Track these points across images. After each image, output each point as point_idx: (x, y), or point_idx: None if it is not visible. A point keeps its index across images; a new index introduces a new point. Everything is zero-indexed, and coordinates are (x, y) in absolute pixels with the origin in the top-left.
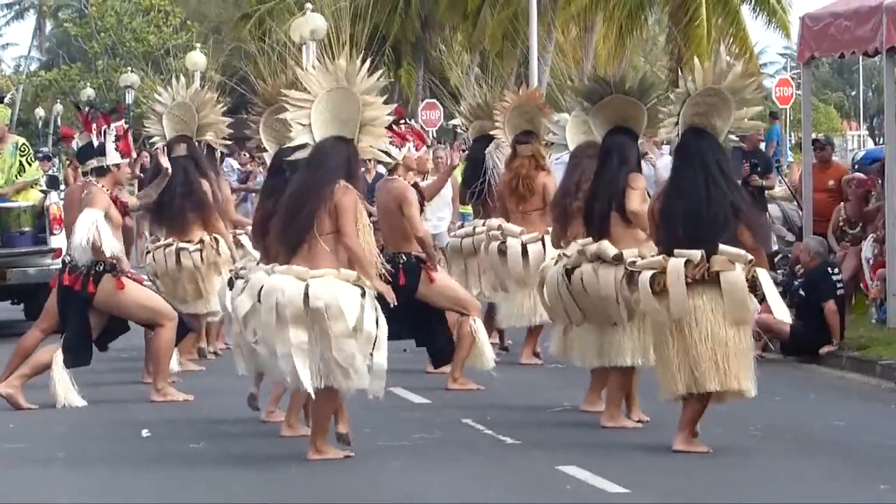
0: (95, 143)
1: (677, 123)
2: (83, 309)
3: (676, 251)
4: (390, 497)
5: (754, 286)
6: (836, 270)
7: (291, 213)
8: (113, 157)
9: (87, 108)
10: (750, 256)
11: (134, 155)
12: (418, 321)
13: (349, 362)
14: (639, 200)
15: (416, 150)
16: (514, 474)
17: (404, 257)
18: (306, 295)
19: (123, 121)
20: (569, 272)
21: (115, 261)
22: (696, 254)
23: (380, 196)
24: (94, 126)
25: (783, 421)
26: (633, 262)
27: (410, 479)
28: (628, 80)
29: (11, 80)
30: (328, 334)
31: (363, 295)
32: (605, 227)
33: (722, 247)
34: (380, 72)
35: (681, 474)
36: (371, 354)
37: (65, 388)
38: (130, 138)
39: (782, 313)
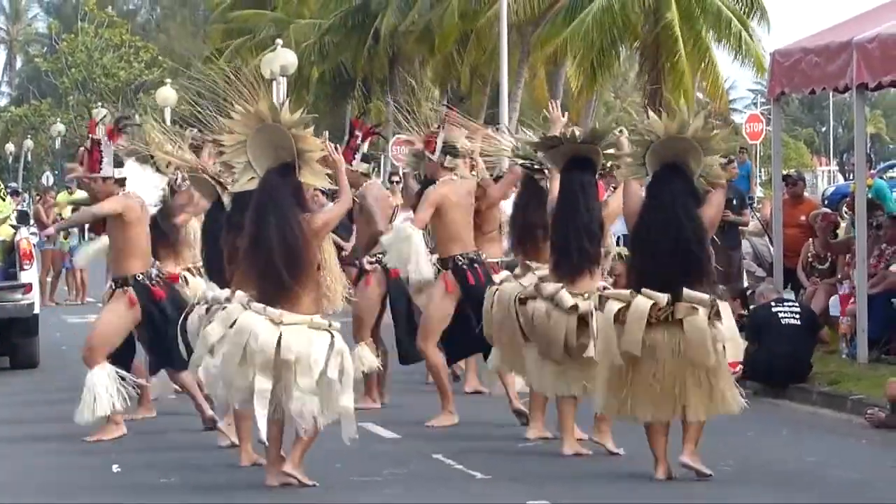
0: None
1: (642, 165)
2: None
3: (644, 290)
4: None
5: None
6: (786, 304)
7: (278, 256)
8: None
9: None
10: (713, 298)
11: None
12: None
13: (301, 414)
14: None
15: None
16: None
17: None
18: (279, 343)
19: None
20: (522, 300)
21: None
22: (662, 298)
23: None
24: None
25: (755, 456)
26: (605, 288)
27: None
28: (578, 134)
29: None
30: (290, 386)
31: (332, 344)
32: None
33: (686, 292)
34: (302, 108)
35: None
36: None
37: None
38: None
39: (733, 353)
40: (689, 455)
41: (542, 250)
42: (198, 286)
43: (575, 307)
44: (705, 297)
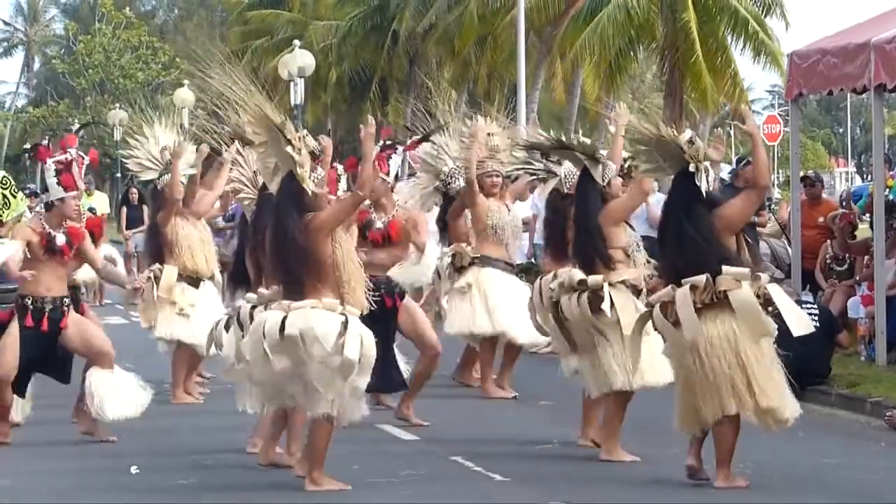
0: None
1: (655, 162)
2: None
3: (683, 280)
4: None
5: (768, 304)
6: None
7: (287, 258)
8: (55, 191)
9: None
10: (757, 273)
11: (82, 186)
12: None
13: (329, 387)
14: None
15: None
16: None
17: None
18: (283, 325)
19: (69, 153)
20: (555, 304)
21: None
22: (701, 278)
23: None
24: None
25: (773, 458)
26: (648, 304)
27: None
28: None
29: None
30: (305, 360)
31: (346, 323)
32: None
33: (726, 268)
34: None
35: None
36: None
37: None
38: (75, 172)
39: (801, 326)
40: (723, 480)
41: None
42: (169, 280)
43: (584, 282)
44: (745, 270)
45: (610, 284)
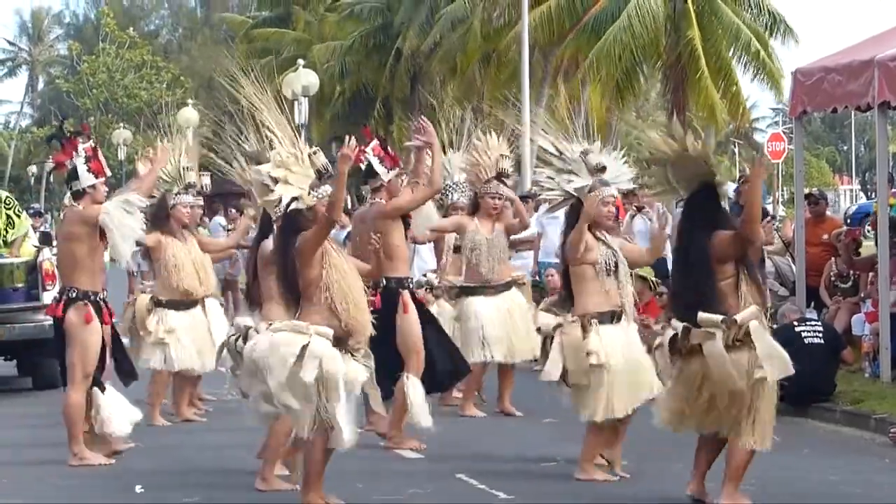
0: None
1: (667, 184)
2: (61, 336)
3: (672, 322)
4: None
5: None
6: (809, 324)
7: (281, 278)
8: (86, 178)
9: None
10: (733, 318)
11: (108, 173)
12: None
13: (287, 408)
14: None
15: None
16: None
17: (384, 280)
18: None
19: (91, 141)
20: None
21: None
22: (679, 326)
23: (361, 227)
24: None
25: (778, 475)
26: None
27: None
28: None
29: (3, 136)
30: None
31: (305, 346)
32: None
33: (700, 316)
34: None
35: None
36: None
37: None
38: (101, 157)
39: (778, 371)
40: (727, 498)
41: None
42: (140, 311)
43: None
44: (717, 318)
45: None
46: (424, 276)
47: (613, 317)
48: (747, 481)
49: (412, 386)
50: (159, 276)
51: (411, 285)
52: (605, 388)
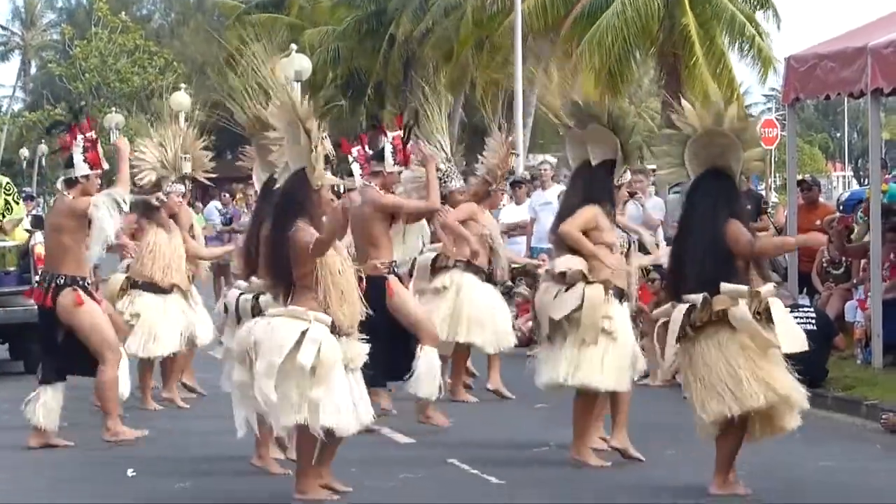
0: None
1: (681, 164)
2: (46, 323)
3: (684, 296)
4: None
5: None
6: (801, 310)
7: (271, 260)
8: (81, 168)
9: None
10: (756, 290)
11: (105, 166)
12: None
13: (265, 399)
14: (576, 227)
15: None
16: None
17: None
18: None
19: (92, 132)
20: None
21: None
22: (698, 298)
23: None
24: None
25: (769, 461)
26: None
27: None
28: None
29: None
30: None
31: (305, 331)
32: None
33: (723, 286)
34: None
35: None
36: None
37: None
38: (100, 150)
39: (792, 344)
40: (718, 486)
41: None
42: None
43: (563, 274)
44: (743, 288)
45: (588, 282)
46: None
47: (622, 296)
48: (739, 467)
49: (424, 356)
50: (137, 257)
51: (397, 269)
52: (605, 355)
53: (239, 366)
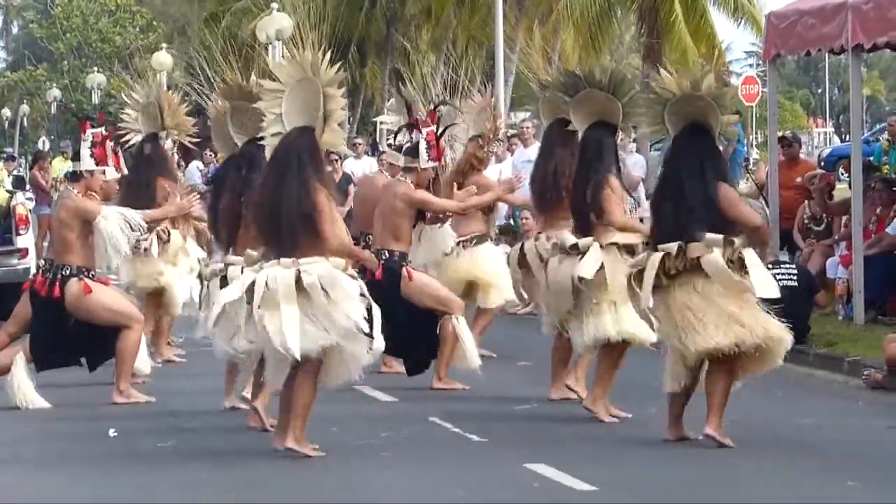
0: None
1: (661, 123)
2: (50, 313)
3: (659, 246)
4: (357, 495)
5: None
6: (782, 266)
7: (279, 216)
8: (87, 162)
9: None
10: (731, 238)
11: (109, 164)
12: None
13: (353, 324)
14: (620, 211)
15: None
16: (481, 472)
17: (387, 254)
18: (298, 277)
19: (103, 128)
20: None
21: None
22: (673, 246)
23: (384, 195)
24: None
25: (751, 418)
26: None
27: (377, 477)
28: (597, 73)
29: None
30: (325, 304)
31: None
32: (587, 223)
33: (700, 234)
34: (338, 64)
35: (648, 472)
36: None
37: (25, 389)
38: (108, 147)
39: (766, 290)
40: (715, 428)
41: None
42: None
43: (576, 245)
44: (719, 237)
45: (601, 246)
46: None
47: (633, 254)
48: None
49: (459, 325)
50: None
51: (411, 262)
52: (623, 312)
53: (286, 305)
